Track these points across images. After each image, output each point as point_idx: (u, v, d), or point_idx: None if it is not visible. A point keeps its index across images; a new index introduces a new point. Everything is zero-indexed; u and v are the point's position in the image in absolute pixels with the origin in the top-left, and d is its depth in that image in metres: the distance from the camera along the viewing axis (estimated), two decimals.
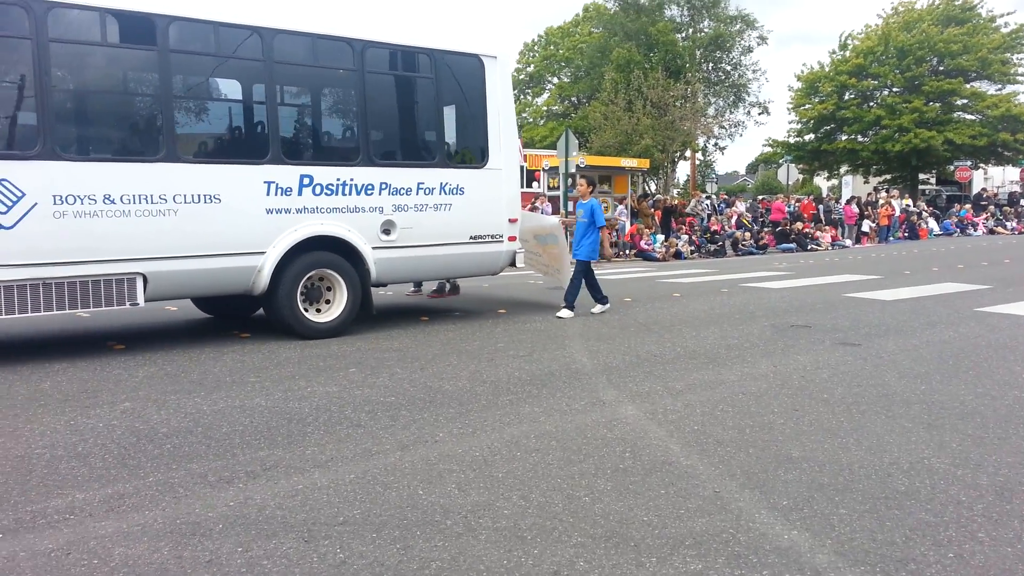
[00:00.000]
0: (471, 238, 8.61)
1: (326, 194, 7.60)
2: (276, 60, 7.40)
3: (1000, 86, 39.90)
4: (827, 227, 25.25)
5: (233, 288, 7.30)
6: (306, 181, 7.47)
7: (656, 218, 22.40)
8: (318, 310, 7.68)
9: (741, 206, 25.98)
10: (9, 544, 2.99)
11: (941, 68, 39.47)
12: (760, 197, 33.75)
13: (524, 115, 48.57)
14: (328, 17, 7.77)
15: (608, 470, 3.82)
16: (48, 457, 4.02)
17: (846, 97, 41.48)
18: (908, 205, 30.36)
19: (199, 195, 6.88)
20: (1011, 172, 46.14)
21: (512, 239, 8.99)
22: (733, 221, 24.18)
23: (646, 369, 6.14)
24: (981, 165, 43.14)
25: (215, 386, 5.58)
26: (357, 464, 3.92)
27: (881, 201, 28.96)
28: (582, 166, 22.32)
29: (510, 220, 8.93)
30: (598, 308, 9.24)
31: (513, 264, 9.15)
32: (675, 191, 38.42)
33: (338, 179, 7.66)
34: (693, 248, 21.06)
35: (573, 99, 45.83)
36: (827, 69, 42.49)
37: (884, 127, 39.43)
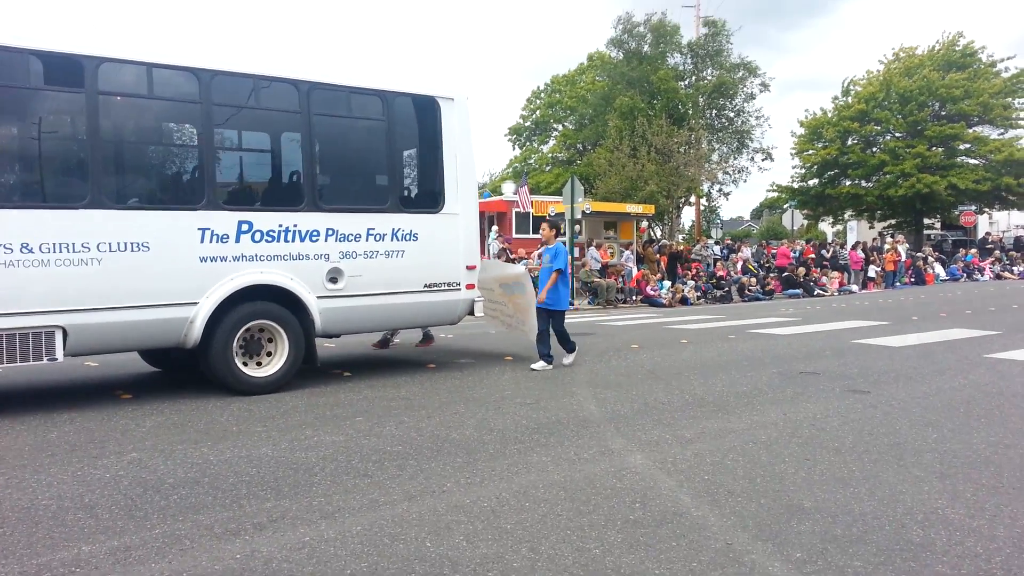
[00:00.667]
0: (426, 286, 8.26)
1: (267, 241, 7.25)
2: (214, 102, 7.10)
3: (1002, 130, 40.13)
4: (834, 272, 25.26)
5: (163, 341, 6.92)
6: (244, 228, 7.14)
7: (662, 264, 22.46)
8: (259, 363, 7.30)
9: (747, 251, 26.04)
10: None
11: (943, 113, 39.79)
12: (766, 242, 33.83)
13: (530, 161, 49.05)
14: (271, 58, 7.62)
15: (618, 521, 3.78)
16: (55, 508, 4.00)
17: (849, 142, 41.80)
18: (907, 249, 30.37)
19: (125, 243, 6.54)
20: (1016, 216, 46.22)
21: (470, 287, 8.64)
22: (739, 267, 24.21)
23: (655, 417, 6.10)
24: (985, 210, 43.22)
25: (221, 436, 5.57)
26: (364, 515, 3.88)
27: (887, 246, 29.00)
28: (588, 212, 22.49)
29: (468, 267, 8.60)
30: (568, 359, 8.87)
31: (472, 313, 8.82)
32: (680, 237, 38.57)
33: (280, 225, 7.34)
34: (699, 294, 21.07)
35: (578, 146, 46.29)
36: (830, 115, 42.90)
37: (887, 172, 39.65)
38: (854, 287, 25.51)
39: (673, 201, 35.17)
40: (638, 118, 35.01)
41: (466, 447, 5.20)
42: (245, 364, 7.19)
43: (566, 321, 9.11)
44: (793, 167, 45.33)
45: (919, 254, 30.36)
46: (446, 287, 8.43)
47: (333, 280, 7.63)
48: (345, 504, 4.05)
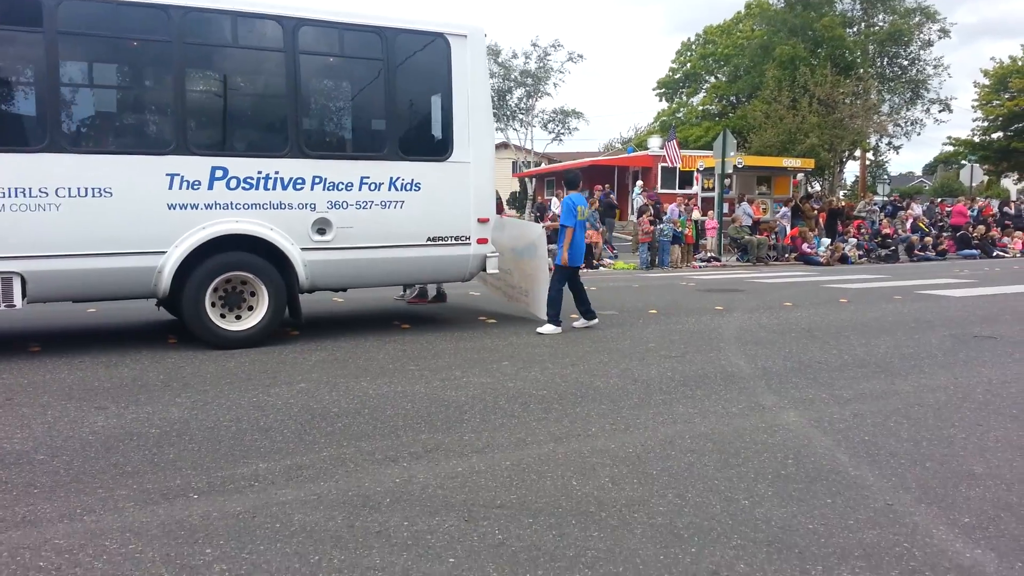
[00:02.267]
0: (429, 240, 7.68)
1: (244, 188, 6.85)
2: (185, 40, 6.69)
3: None
4: (1017, 232, 23.02)
5: (132, 291, 6.75)
6: (219, 174, 6.75)
7: (820, 221, 21.30)
8: (238, 316, 6.98)
9: (918, 209, 24.18)
10: (204, 504, 3.30)
11: None
12: (939, 199, 31.27)
13: (679, 115, 47.58)
14: None
15: (769, 475, 3.69)
16: (234, 429, 4.39)
17: None
18: None
19: (85, 188, 6.30)
20: None
21: (483, 241, 7.95)
22: (908, 225, 22.55)
23: (810, 376, 5.87)
24: None
25: (379, 372, 5.89)
26: (512, 452, 4.01)
27: None
28: (740, 166, 21.64)
29: (480, 220, 7.90)
30: (582, 322, 8.22)
31: (484, 270, 8.12)
32: (842, 193, 36.34)
33: (260, 172, 6.92)
34: (862, 253, 19.85)
35: (731, 98, 44.38)
36: (1019, 63, 38.72)
37: None
38: None
39: (836, 155, 33.17)
40: (800, 67, 33.09)
41: (610, 395, 5.23)
42: (223, 316, 6.92)
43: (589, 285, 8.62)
44: (974, 120, 41.54)
45: None
46: (453, 241, 7.81)
47: (321, 231, 7.18)
48: (494, 441, 4.20)
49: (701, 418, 4.69)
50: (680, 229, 18.43)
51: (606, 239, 20.27)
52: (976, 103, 40.46)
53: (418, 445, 4.10)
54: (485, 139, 8.06)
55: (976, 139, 41.02)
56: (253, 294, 7.05)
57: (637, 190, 24.39)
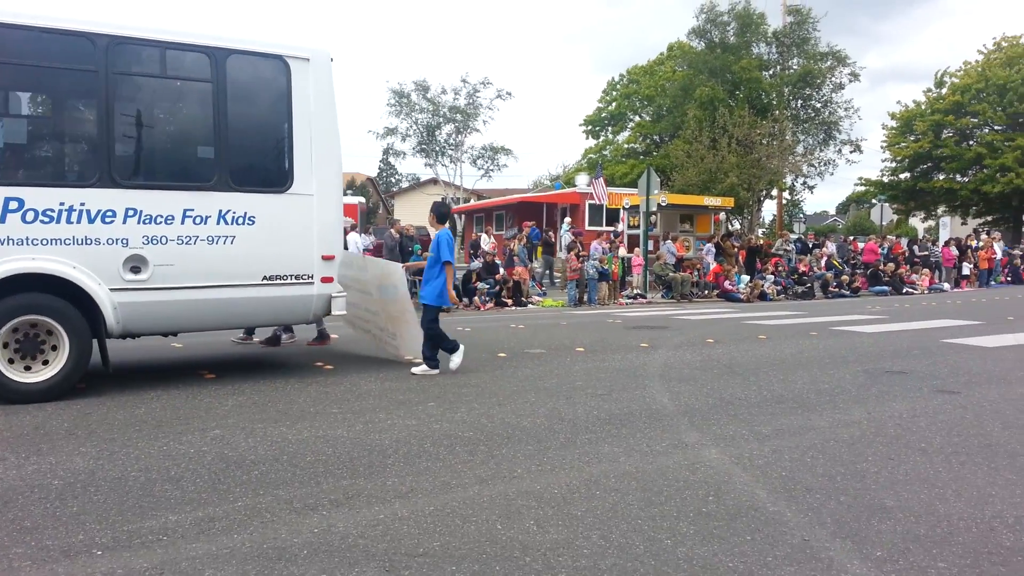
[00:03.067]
0: (266, 279, 7.12)
1: (43, 222, 6.19)
2: None
3: None
4: (924, 270, 24.22)
5: None
6: (12, 206, 6.10)
7: (740, 258, 21.96)
8: (28, 368, 6.23)
9: (832, 246, 25.20)
10: (108, 561, 3.12)
11: None
12: (851, 238, 32.68)
13: (605, 152, 48.61)
14: (58, 8, 6.50)
15: (691, 513, 3.72)
16: (143, 480, 4.19)
17: (943, 135, 39.98)
18: (1003, 247, 28.80)
19: None
20: None
21: (327, 280, 7.43)
22: (823, 262, 23.46)
23: (730, 412, 5.98)
24: None
25: (299, 416, 5.73)
26: (436, 497, 3.94)
27: (982, 243, 27.63)
28: (664, 204, 22.18)
29: (324, 257, 7.38)
30: (455, 361, 7.65)
31: (329, 312, 7.60)
32: (760, 231, 37.62)
33: (62, 204, 6.26)
34: (779, 289, 20.52)
35: (655, 137, 45.65)
36: (923, 107, 41.11)
37: (985, 166, 37.75)
38: (946, 285, 24.39)
39: (754, 194, 34.36)
40: (719, 108, 34.31)
41: (536, 435, 5.21)
42: (11, 362, 6.17)
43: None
44: (883, 160, 43.73)
45: (1016, 252, 28.78)
46: (294, 280, 7.26)
47: (135, 270, 6.54)
48: (418, 485, 4.12)
49: (626, 457, 4.71)
50: (606, 266, 18.72)
51: (534, 276, 20.42)
52: (884, 144, 42.65)
53: (339, 492, 3.99)
54: (331, 170, 7.54)
55: (885, 179, 43.14)
56: (55, 346, 6.31)
57: (565, 226, 24.71)
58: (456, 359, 7.66)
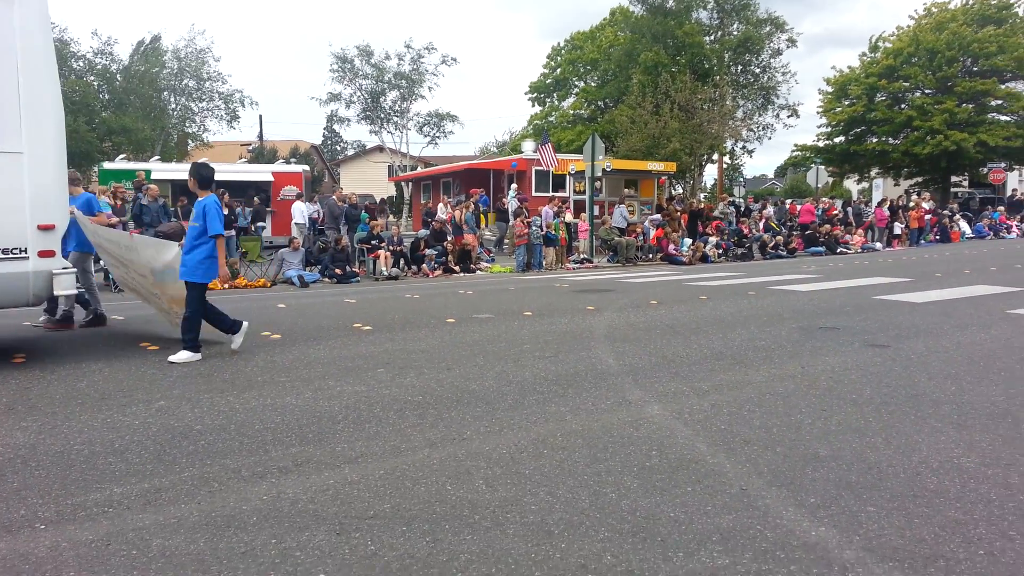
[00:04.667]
0: None
1: None
2: None
3: None
4: (857, 230, 24.97)
5: None
6: None
7: (683, 222, 22.31)
8: None
9: (770, 209, 25.76)
10: (52, 535, 3.09)
11: (975, 69, 38.84)
12: (788, 201, 33.43)
13: (551, 119, 48.55)
14: None
15: (635, 468, 3.84)
16: (86, 453, 4.13)
17: (876, 99, 40.99)
18: (933, 206, 29.86)
19: None
20: None
21: (47, 254, 6.53)
22: (761, 225, 24.00)
23: (672, 370, 6.14)
24: (1016, 167, 42.32)
25: (247, 386, 5.69)
26: (386, 461, 3.98)
27: (912, 204, 28.58)
28: (608, 170, 22.32)
29: (41, 227, 6.47)
30: (237, 341, 7.06)
31: (52, 292, 6.73)
32: (702, 195, 38.20)
33: None
34: (720, 252, 20.94)
35: (600, 103, 45.76)
36: (858, 72, 42.02)
37: (915, 128, 38.90)
38: (878, 245, 25.21)
39: (696, 159, 34.81)
40: (662, 74, 34.52)
41: (485, 398, 5.28)
42: None
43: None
44: (819, 126, 44.66)
45: (945, 212, 29.86)
46: (1, 255, 6.32)
47: None
48: (367, 450, 4.15)
49: (572, 416, 4.81)
50: (554, 232, 18.83)
51: (483, 242, 20.42)
52: (820, 109, 43.56)
53: (288, 459, 4.00)
54: (47, 121, 6.51)
55: (820, 144, 44.13)
56: None
57: (512, 192, 24.70)
58: (238, 339, 7.04)
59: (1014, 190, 38.55)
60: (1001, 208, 33.24)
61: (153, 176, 20.28)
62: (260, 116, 57.74)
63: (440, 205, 21.79)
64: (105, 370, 6.27)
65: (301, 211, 20.29)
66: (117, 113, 35.00)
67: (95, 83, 35.88)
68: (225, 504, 3.40)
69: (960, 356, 6.57)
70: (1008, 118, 39.32)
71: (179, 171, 22.46)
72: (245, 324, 7.16)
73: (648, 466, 3.87)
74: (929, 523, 3.14)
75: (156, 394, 5.43)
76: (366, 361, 6.60)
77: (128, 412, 4.94)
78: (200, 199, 6.90)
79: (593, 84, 47.02)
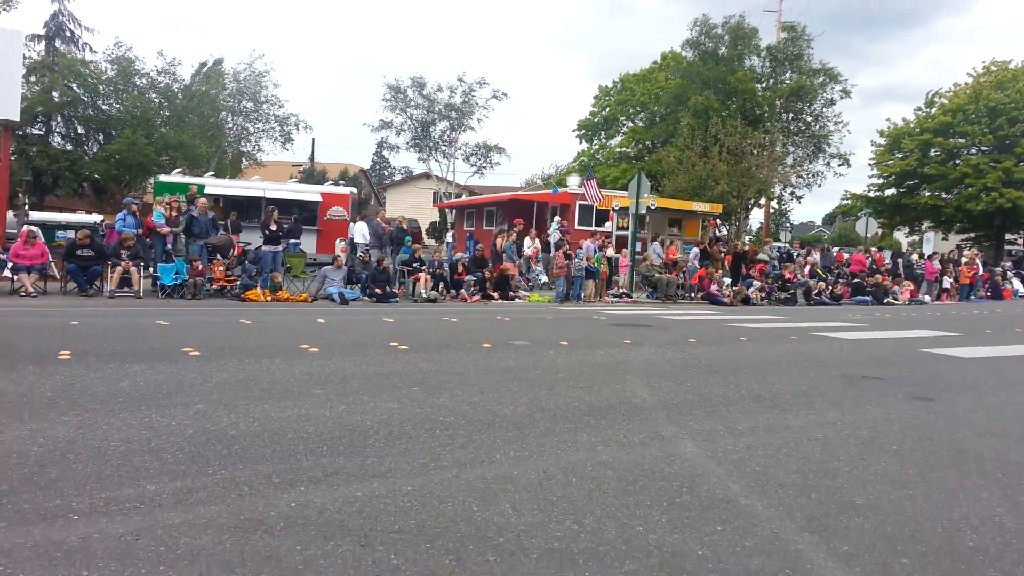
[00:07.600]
0: None
1: None
2: None
3: None
4: (906, 282, 24.47)
5: None
6: None
7: (726, 263, 22.11)
8: None
9: (815, 256, 25.41)
10: (84, 526, 3.14)
11: None
12: (835, 249, 32.93)
13: (597, 156, 48.69)
14: None
15: (664, 503, 3.78)
16: (123, 450, 4.20)
17: (930, 154, 40.43)
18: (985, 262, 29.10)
19: None
20: None
21: None
22: (807, 270, 23.65)
23: (708, 409, 6.05)
24: None
25: (283, 395, 5.75)
26: (414, 477, 3.98)
27: (964, 259, 27.94)
28: (653, 208, 22.30)
29: None
30: None
31: None
32: (747, 238, 37.84)
33: None
34: (763, 295, 20.66)
35: (647, 143, 45.77)
36: (912, 126, 41.54)
37: (968, 185, 38.20)
38: (926, 298, 24.65)
39: (742, 202, 34.57)
40: (712, 118, 34.47)
41: (516, 423, 5.26)
42: None
43: None
44: (870, 176, 44.08)
45: (997, 268, 29.13)
46: None
47: None
48: (396, 466, 4.16)
49: (603, 447, 4.77)
50: (595, 265, 18.80)
51: (522, 272, 20.47)
52: (872, 161, 43.04)
53: (318, 469, 4.02)
54: None
55: (871, 194, 43.53)
56: None
57: (555, 224, 24.77)
58: None
59: None
60: None
61: (206, 191, 20.78)
62: (313, 139, 58.91)
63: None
64: (147, 372, 6.39)
65: (362, 232, 20.61)
66: (176, 129, 36.00)
67: (156, 100, 36.98)
68: (254, 508, 3.42)
69: (1008, 414, 6.37)
70: None
71: (231, 187, 23.06)
72: None
73: (678, 502, 3.80)
74: None
75: (195, 398, 5.52)
76: (401, 379, 6.63)
77: (166, 413, 5.02)
78: None
79: (641, 124, 47.12)
